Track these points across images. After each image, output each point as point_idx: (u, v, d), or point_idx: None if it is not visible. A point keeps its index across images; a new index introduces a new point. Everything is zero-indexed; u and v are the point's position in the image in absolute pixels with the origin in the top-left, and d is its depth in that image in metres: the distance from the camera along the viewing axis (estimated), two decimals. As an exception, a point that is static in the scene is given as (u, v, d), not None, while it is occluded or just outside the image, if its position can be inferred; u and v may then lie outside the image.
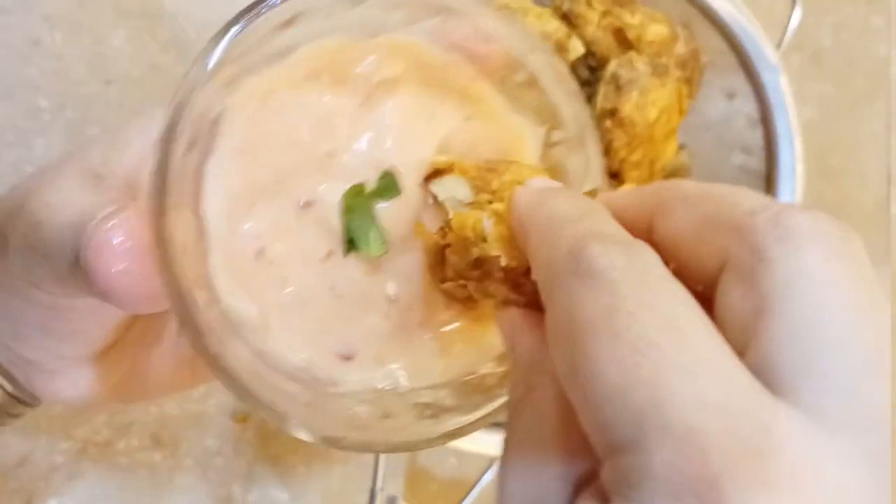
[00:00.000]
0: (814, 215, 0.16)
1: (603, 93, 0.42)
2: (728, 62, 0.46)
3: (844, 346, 0.15)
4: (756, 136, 0.47)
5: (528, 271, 0.21)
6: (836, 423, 0.15)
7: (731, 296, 0.16)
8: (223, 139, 0.23)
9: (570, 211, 0.19)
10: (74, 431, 0.45)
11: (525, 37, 0.25)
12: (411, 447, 0.23)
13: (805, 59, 0.56)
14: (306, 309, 0.24)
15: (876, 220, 0.56)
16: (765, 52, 0.45)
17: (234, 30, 0.21)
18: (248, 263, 0.23)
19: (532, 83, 0.26)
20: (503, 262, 0.21)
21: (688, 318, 0.15)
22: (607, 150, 0.41)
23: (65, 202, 0.23)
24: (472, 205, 0.23)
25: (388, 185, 0.25)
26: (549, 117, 0.26)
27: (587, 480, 0.17)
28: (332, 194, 0.24)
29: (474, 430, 0.23)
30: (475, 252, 0.22)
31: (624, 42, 0.43)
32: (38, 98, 0.46)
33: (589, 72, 0.44)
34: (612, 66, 0.42)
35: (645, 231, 0.19)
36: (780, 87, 0.45)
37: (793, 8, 0.46)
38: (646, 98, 0.41)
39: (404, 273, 0.25)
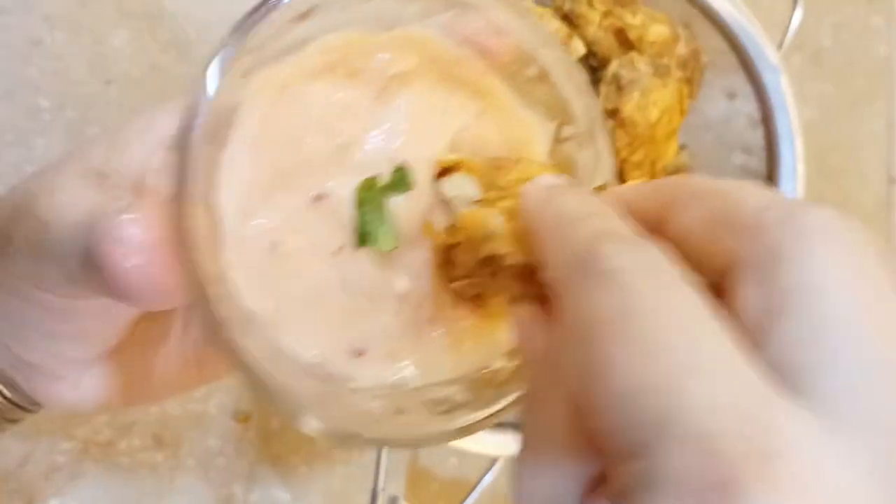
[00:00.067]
0: (826, 212, 0.16)
1: (604, 93, 0.42)
2: (729, 62, 0.46)
3: (859, 346, 0.15)
4: (757, 137, 0.47)
5: (538, 268, 0.21)
6: (849, 424, 0.14)
7: (743, 294, 0.16)
8: (237, 131, 0.23)
9: (580, 209, 0.19)
10: (76, 431, 0.45)
11: (536, 31, 0.25)
12: (426, 442, 0.23)
13: (805, 59, 0.56)
14: (318, 304, 0.24)
15: (876, 220, 0.57)
16: (765, 53, 0.45)
17: (252, 20, 0.21)
18: (261, 257, 0.23)
19: (543, 78, 0.26)
20: (513, 259, 0.21)
21: (700, 319, 0.15)
22: (609, 151, 0.41)
23: (71, 202, 0.23)
24: (481, 202, 0.23)
25: (401, 180, 0.25)
26: (559, 112, 0.26)
27: (601, 480, 0.17)
28: (344, 188, 0.24)
29: (488, 425, 0.23)
30: (485, 250, 0.22)
31: (625, 42, 0.43)
32: (38, 98, 0.46)
33: (590, 72, 0.44)
34: (613, 67, 0.42)
35: (655, 226, 0.18)
36: (781, 87, 0.45)
37: (794, 8, 0.46)
38: (647, 98, 0.41)
39: (414, 269, 0.25)
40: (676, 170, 0.46)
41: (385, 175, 0.25)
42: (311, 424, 0.21)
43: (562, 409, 0.18)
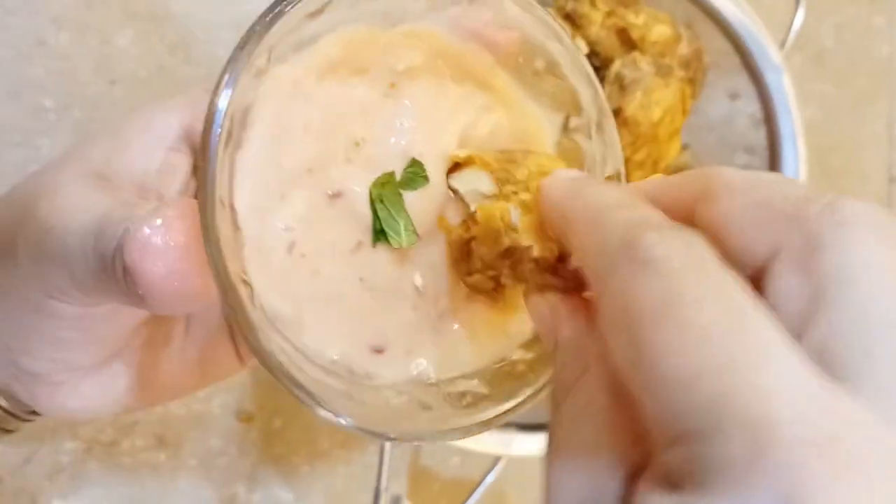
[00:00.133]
0: (865, 204, 0.16)
1: (607, 93, 0.42)
2: (731, 62, 0.46)
3: None
4: (759, 137, 0.47)
5: (560, 258, 0.21)
6: None
7: (786, 282, 0.16)
8: (252, 130, 0.23)
9: (614, 199, 0.19)
10: (79, 431, 0.46)
11: (543, 24, 0.25)
12: (451, 436, 0.23)
13: (807, 59, 0.56)
14: (338, 302, 0.24)
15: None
16: (768, 53, 0.46)
17: (266, 21, 0.21)
18: (280, 258, 0.23)
19: (550, 70, 0.26)
20: (536, 251, 0.21)
21: (749, 306, 0.15)
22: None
23: (77, 206, 0.23)
24: (496, 196, 0.23)
25: (416, 175, 0.25)
26: (566, 104, 0.26)
27: (639, 468, 0.16)
28: (359, 184, 0.24)
29: (511, 416, 0.23)
30: (506, 242, 0.22)
31: (627, 42, 0.43)
32: (43, 98, 0.46)
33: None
34: (615, 67, 0.42)
35: (683, 219, 0.18)
36: (784, 87, 0.45)
37: (796, 8, 0.46)
38: (649, 98, 0.41)
39: (429, 265, 0.25)
40: (679, 169, 0.46)
41: (399, 171, 0.25)
42: (341, 423, 0.21)
43: (601, 396, 0.18)
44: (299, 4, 0.22)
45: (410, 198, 0.25)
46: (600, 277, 0.17)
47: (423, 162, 0.25)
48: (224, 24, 0.48)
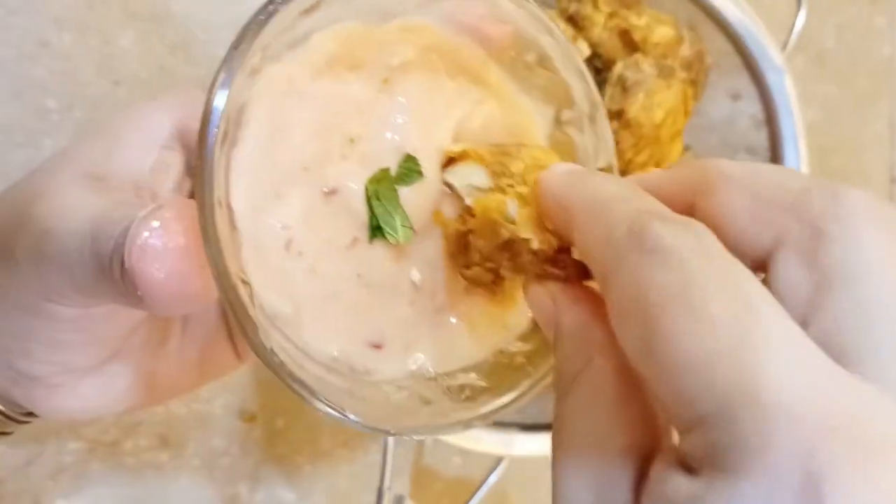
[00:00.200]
0: (865, 194, 0.17)
1: (609, 94, 0.42)
2: (733, 63, 0.47)
3: None
4: (761, 138, 0.47)
5: (559, 249, 0.21)
6: None
7: (789, 271, 0.17)
8: (246, 129, 0.23)
9: (617, 191, 0.19)
10: (82, 431, 0.46)
11: (536, 17, 0.25)
12: (452, 430, 0.23)
13: (808, 60, 0.56)
14: (335, 299, 0.24)
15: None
16: (769, 54, 0.46)
17: (260, 20, 0.21)
18: (277, 256, 0.23)
19: (543, 63, 0.26)
20: (534, 244, 0.21)
21: (759, 294, 0.15)
22: (614, 152, 0.41)
23: (74, 207, 0.23)
24: (491, 190, 0.23)
25: (411, 170, 0.25)
26: (558, 97, 0.26)
27: (648, 457, 0.17)
28: (355, 181, 0.24)
29: (511, 409, 0.24)
30: (504, 234, 0.22)
31: (630, 44, 0.43)
32: (46, 99, 0.46)
33: (595, 73, 0.44)
34: (618, 68, 0.42)
35: (682, 211, 0.19)
36: (785, 88, 0.46)
37: (798, 9, 0.47)
38: (652, 100, 0.42)
39: (426, 259, 0.25)
40: (680, 170, 0.46)
41: (394, 166, 0.25)
42: (345, 419, 0.22)
43: (610, 383, 0.18)
44: (293, 2, 0.22)
45: (406, 193, 0.25)
46: (607, 269, 0.17)
47: (418, 157, 0.25)
48: (224, 23, 0.48)
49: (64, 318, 0.24)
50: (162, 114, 0.25)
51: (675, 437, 0.16)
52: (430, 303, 0.25)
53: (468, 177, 0.24)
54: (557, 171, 0.22)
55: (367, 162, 0.25)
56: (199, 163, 0.20)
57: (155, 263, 0.21)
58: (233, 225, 0.22)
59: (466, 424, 0.23)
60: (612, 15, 0.43)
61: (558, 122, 0.27)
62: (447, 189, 0.25)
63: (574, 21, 0.43)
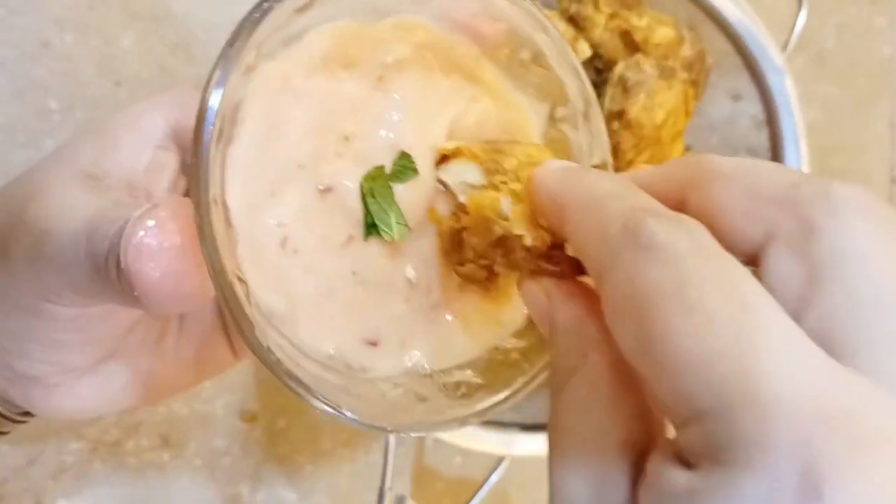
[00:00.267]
0: (855, 187, 0.17)
1: (610, 95, 0.42)
2: (733, 64, 0.47)
3: None
4: (762, 138, 0.47)
5: (553, 246, 0.21)
6: None
7: (781, 265, 0.17)
8: (242, 127, 0.23)
9: (611, 187, 0.19)
10: (84, 431, 0.46)
11: (530, 14, 0.25)
12: (447, 426, 0.23)
13: (808, 60, 0.57)
14: (331, 296, 0.24)
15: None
16: (770, 54, 0.46)
17: (254, 18, 0.21)
18: (272, 254, 0.23)
19: (537, 60, 0.26)
20: (528, 240, 0.21)
21: (755, 291, 0.16)
22: (615, 152, 0.41)
23: (69, 207, 0.23)
24: (485, 187, 0.23)
25: (406, 167, 0.25)
26: (553, 94, 0.26)
27: (644, 452, 0.17)
28: (350, 179, 0.24)
29: (507, 406, 0.24)
30: (498, 231, 0.22)
31: (631, 44, 0.43)
32: (47, 99, 0.46)
33: (596, 74, 0.44)
34: (619, 69, 0.42)
35: (674, 207, 0.19)
36: (786, 88, 0.46)
37: (799, 9, 0.47)
38: (653, 100, 0.42)
39: (420, 257, 0.25)
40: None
41: (388, 164, 0.25)
42: (341, 416, 0.22)
43: (606, 379, 0.18)
44: (287, 0, 0.22)
45: (400, 191, 0.25)
46: (602, 266, 0.17)
47: (413, 154, 0.25)
48: (224, 24, 0.48)
49: (61, 318, 0.24)
50: (156, 113, 0.25)
51: (671, 432, 0.16)
52: (425, 300, 0.25)
53: (462, 174, 0.24)
54: (551, 168, 0.22)
55: (362, 159, 0.25)
56: (194, 161, 0.20)
57: (150, 263, 0.21)
58: (228, 223, 0.22)
59: (462, 421, 0.23)
60: (612, 16, 0.43)
61: (553, 119, 0.27)
62: (441, 186, 0.25)
63: (575, 22, 0.43)
